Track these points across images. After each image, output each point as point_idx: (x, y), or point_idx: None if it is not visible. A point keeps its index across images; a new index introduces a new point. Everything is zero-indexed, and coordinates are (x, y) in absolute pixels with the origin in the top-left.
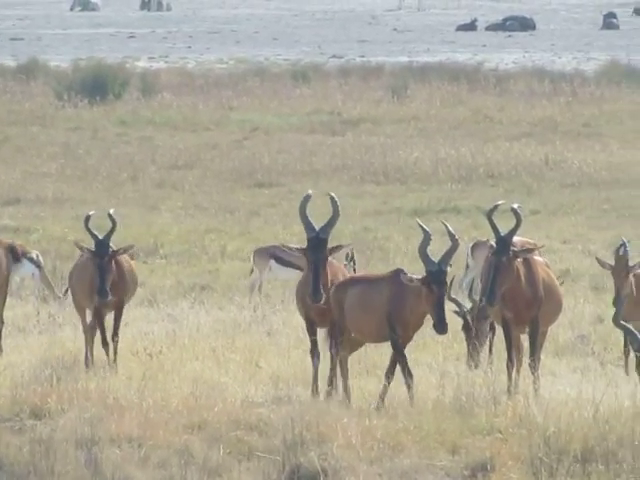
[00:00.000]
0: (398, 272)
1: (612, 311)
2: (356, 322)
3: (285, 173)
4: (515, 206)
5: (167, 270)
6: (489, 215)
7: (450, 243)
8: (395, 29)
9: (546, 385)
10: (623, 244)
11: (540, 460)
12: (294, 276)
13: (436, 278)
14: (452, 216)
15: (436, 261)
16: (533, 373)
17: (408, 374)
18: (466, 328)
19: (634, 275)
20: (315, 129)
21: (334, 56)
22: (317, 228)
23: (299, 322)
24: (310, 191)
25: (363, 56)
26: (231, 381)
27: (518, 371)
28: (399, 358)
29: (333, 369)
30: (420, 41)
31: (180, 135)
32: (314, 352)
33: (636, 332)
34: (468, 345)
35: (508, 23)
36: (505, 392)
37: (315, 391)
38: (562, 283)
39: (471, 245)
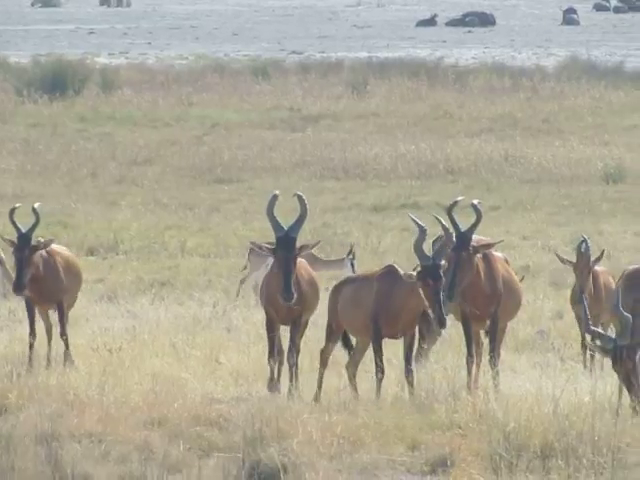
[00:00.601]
0: (389, 268)
1: (570, 307)
2: (349, 320)
3: (245, 169)
4: (475, 202)
5: (127, 266)
6: (449, 211)
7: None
8: (355, 25)
9: (506, 381)
10: (584, 240)
11: (500, 456)
12: None
13: (431, 273)
14: (412, 212)
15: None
16: (493, 369)
17: (380, 369)
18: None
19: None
20: (275, 125)
21: (294, 52)
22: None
23: (259, 318)
24: (277, 191)
25: (323, 52)
26: (191, 377)
27: (478, 367)
28: (376, 352)
29: (321, 366)
30: (380, 37)
31: (140, 131)
32: (271, 350)
33: (605, 333)
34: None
35: (468, 19)
36: (465, 388)
37: (273, 389)
38: (522, 279)
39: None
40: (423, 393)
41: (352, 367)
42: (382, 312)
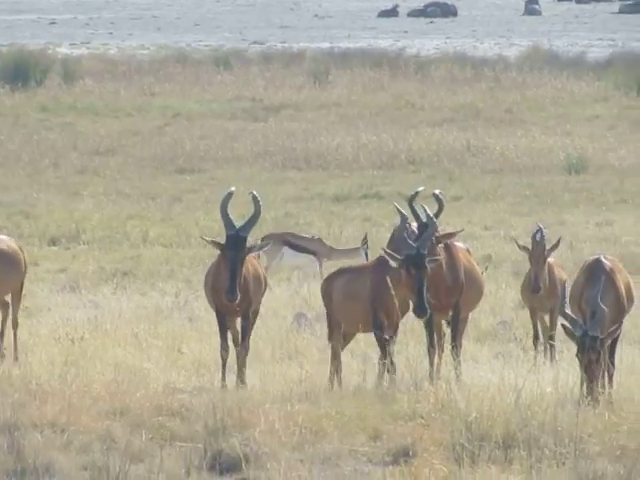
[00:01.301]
0: (381, 260)
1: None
2: (344, 312)
3: (207, 159)
4: (437, 192)
5: (89, 256)
6: (410, 201)
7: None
8: (316, 15)
9: (468, 371)
10: (540, 229)
11: (462, 446)
12: (306, 262)
13: (414, 261)
14: (374, 202)
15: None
16: (455, 359)
17: (390, 362)
18: None
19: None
20: (237, 115)
21: (256, 42)
22: (237, 225)
23: None
24: (233, 188)
25: (284, 42)
26: (153, 367)
27: (440, 357)
28: (380, 347)
29: (333, 360)
30: (342, 27)
31: (102, 121)
32: (222, 343)
33: (578, 319)
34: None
35: (430, 9)
36: (427, 378)
37: (224, 381)
38: (486, 269)
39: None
40: (385, 383)
41: (336, 360)
42: (380, 303)
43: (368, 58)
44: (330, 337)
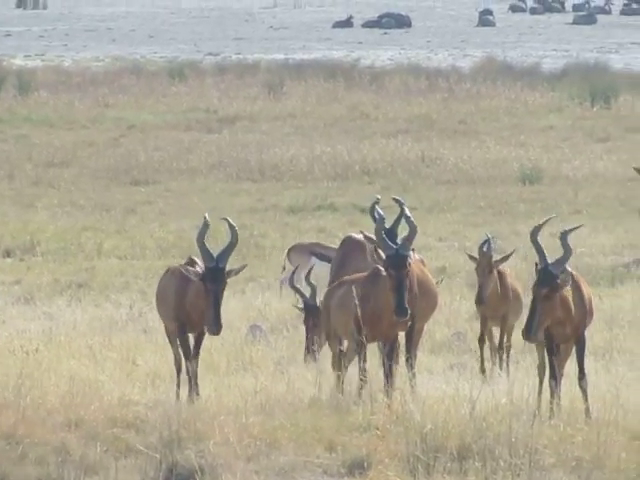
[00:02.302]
0: (374, 270)
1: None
2: (339, 324)
3: (161, 171)
4: (397, 197)
5: (44, 268)
6: (371, 211)
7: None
8: (271, 26)
9: (423, 382)
10: (487, 240)
11: (417, 457)
12: None
13: (394, 263)
14: (328, 213)
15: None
16: (410, 370)
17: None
18: (306, 320)
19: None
20: (191, 127)
21: (210, 54)
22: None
23: None
24: (206, 215)
25: (239, 53)
26: (108, 379)
27: (395, 369)
28: (360, 358)
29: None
30: (296, 38)
31: (56, 133)
32: (186, 353)
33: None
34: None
35: (384, 20)
36: (382, 390)
37: (195, 393)
38: (442, 280)
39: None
40: (340, 394)
41: (339, 368)
42: (365, 315)
43: (322, 69)
44: (333, 353)
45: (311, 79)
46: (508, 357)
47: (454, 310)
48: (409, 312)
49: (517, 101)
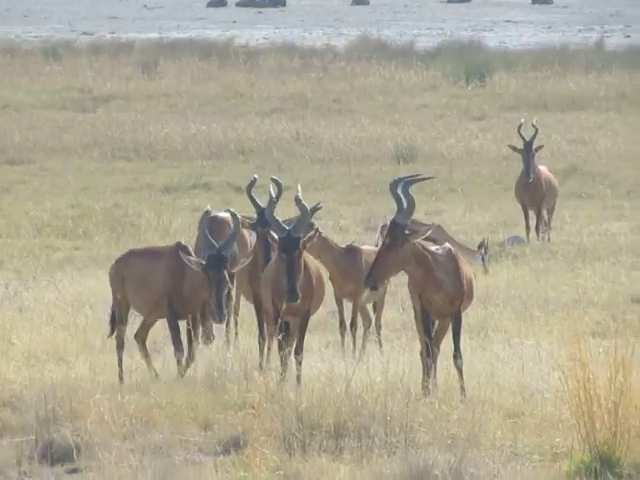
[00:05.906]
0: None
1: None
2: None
3: (36, 150)
4: (274, 177)
5: None
6: (248, 190)
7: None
8: (145, 6)
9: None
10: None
11: (293, 435)
12: None
13: (284, 245)
14: (203, 192)
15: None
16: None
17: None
18: None
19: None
20: (66, 106)
21: (84, 33)
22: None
23: (50, 299)
24: (209, 207)
25: (114, 33)
26: None
27: (270, 347)
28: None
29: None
30: (170, 17)
31: None
32: (179, 343)
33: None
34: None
35: None
36: (257, 368)
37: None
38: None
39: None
40: (215, 373)
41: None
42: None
43: (197, 48)
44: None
45: (185, 58)
46: (379, 335)
47: (329, 289)
48: (300, 295)
49: (392, 80)
